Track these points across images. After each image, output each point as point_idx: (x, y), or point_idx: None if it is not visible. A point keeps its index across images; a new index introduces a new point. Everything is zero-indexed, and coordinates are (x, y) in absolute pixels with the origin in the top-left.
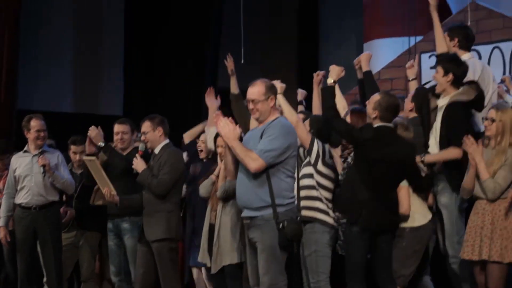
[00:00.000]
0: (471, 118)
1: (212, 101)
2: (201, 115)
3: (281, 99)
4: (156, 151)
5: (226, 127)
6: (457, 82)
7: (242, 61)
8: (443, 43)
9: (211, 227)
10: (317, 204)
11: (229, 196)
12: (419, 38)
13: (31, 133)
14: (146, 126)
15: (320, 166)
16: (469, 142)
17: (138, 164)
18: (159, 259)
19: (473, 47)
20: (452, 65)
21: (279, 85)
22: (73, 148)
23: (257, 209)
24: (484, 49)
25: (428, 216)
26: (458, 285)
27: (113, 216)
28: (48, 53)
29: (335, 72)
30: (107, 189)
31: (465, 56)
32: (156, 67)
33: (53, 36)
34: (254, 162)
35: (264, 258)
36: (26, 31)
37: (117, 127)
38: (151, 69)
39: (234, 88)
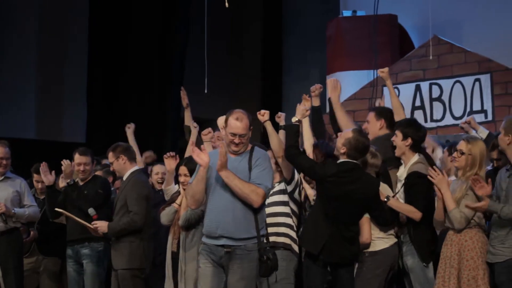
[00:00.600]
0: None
1: (171, 164)
2: (163, 146)
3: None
4: (124, 178)
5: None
6: (416, 146)
7: (206, 91)
8: (400, 110)
9: (173, 255)
10: (291, 232)
11: (191, 225)
12: None
13: None
14: (110, 156)
15: (296, 195)
16: (434, 173)
17: (102, 227)
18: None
19: (434, 81)
20: (411, 130)
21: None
22: (36, 176)
23: (241, 239)
24: (446, 83)
25: (390, 241)
26: None
27: (73, 242)
28: (11, 80)
29: (299, 112)
30: (89, 227)
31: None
32: (120, 96)
33: (17, 62)
34: (260, 198)
35: (241, 286)
36: None
37: (79, 158)
38: (115, 97)
39: (187, 121)
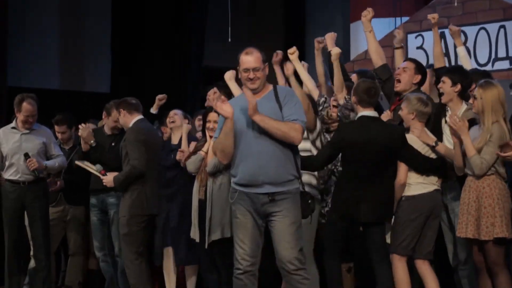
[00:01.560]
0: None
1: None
2: (186, 93)
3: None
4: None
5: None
6: (464, 93)
7: (229, 40)
8: (441, 58)
9: (201, 203)
10: (313, 180)
11: (218, 171)
12: (405, 19)
13: (20, 115)
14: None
15: (318, 144)
16: (453, 120)
17: (108, 180)
18: (121, 233)
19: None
20: (459, 76)
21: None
22: (56, 128)
23: (284, 183)
24: (470, 30)
25: (430, 188)
26: None
27: (98, 191)
28: (36, 31)
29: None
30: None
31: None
32: (143, 44)
33: (41, 14)
34: (300, 134)
35: (291, 232)
36: (14, 10)
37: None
38: (138, 46)
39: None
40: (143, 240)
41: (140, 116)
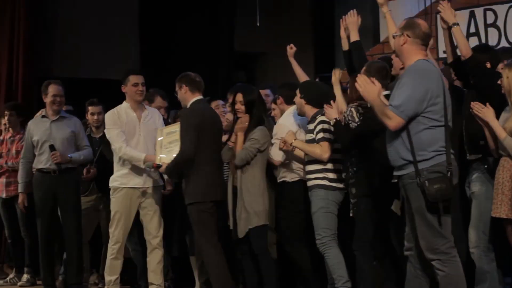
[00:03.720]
0: None
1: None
2: (217, 78)
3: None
4: None
5: (365, 84)
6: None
7: (258, 24)
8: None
9: (235, 190)
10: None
11: (247, 164)
12: None
13: (48, 98)
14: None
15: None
16: (478, 107)
17: (162, 171)
18: (192, 223)
19: (489, 7)
20: (487, 55)
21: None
22: (90, 109)
23: (400, 167)
24: (500, 9)
25: None
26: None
27: None
28: (65, 21)
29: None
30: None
31: None
32: (172, 31)
33: (70, 2)
34: (391, 121)
35: (416, 221)
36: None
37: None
38: (167, 33)
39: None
40: (213, 229)
41: (200, 97)
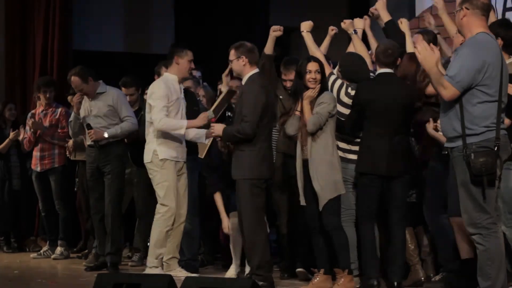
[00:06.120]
0: None
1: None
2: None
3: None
4: (243, 82)
5: (425, 51)
6: (508, 46)
7: None
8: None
9: (305, 163)
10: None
11: (319, 129)
12: None
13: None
14: (231, 54)
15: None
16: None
17: (216, 130)
18: (238, 198)
19: None
20: (502, 29)
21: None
22: (124, 90)
23: (451, 139)
24: None
25: None
26: None
27: None
28: None
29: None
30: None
31: None
32: (207, 5)
33: None
34: (445, 91)
35: (460, 195)
36: None
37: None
38: (202, 7)
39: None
40: (262, 205)
41: (257, 69)
